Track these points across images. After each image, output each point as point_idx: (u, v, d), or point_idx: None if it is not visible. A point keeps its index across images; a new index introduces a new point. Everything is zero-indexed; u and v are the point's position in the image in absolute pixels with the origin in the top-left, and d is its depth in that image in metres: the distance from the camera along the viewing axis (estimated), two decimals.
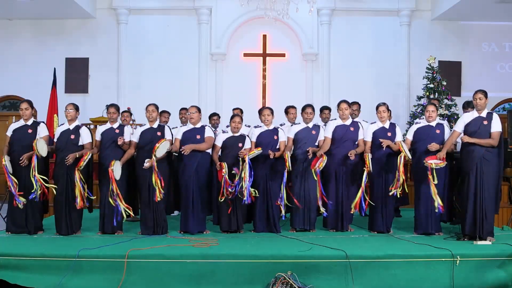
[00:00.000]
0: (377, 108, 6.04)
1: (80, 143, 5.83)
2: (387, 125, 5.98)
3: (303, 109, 6.07)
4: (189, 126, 5.92)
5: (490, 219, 5.33)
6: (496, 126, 5.37)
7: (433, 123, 5.78)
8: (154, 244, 5.09)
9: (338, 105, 6.03)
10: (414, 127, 5.92)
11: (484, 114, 5.44)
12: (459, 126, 5.54)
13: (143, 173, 5.73)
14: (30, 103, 5.88)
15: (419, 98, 9.86)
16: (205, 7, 10.67)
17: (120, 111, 6.33)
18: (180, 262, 4.71)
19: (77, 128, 5.86)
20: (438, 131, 5.76)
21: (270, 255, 4.77)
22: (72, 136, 5.77)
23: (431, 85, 9.74)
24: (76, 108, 5.95)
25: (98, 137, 5.95)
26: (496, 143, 5.34)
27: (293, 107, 6.75)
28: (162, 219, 5.74)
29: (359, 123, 6.09)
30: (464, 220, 5.41)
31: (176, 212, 7.17)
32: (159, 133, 5.82)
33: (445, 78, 9.79)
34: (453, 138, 5.62)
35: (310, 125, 6.02)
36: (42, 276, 4.70)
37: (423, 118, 6.04)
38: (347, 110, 5.97)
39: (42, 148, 5.59)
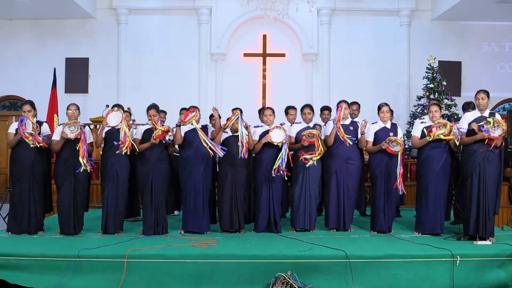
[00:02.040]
0: (379, 108, 6.03)
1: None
2: (388, 125, 5.99)
3: (302, 109, 6.10)
4: (190, 126, 5.92)
5: (492, 219, 5.33)
6: None
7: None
8: (154, 244, 5.09)
9: (337, 105, 6.05)
10: (421, 125, 5.85)
11: (486, 114, 5.43)
12: (463, 125, 5.54)
13: (145, 173, 5.74)
14: (32, 104, 5.88)
15: (419, 98, 9.87)
16: (205, 7, 10.68)
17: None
18: (180, 262, 4.71)
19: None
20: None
21: (270, 255, 4.77)
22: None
23: (431, 85, 9.75)
24: (78, 108, 5.95)
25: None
26: (500, 143, 5.34)
27: (293, 107, 6.75)
28: (163, 219, 5.74)
29: (358, 123, 6.10)
30: (467, 220, 5.39)
31: (176, 212, 7.17)
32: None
33: (445, 78, 9.79)
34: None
35: (311, 124, 6.04)
36: (42, 276, 4.70)
37: (423, 118, 6.03)
38: (346, 110, 5.97)
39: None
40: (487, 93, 5.43)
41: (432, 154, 5.64)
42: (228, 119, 5.81)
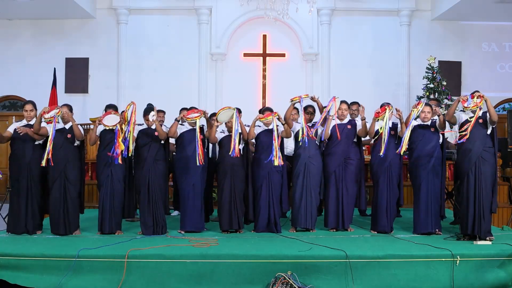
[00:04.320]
0: (381, 107, 6.04)
1: (76, 143, 5.84)
2: (390, 124, 5.99)
3: (305, 109, 6.11)
4: (189, 126, 5.93)
5: (487, 218, 5.34)
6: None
7: (429, 123, 5.79)
8: (154, 244, 5.08)
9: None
10: (414, 122, 5.94)
11: (480, 113, 5.46)
12: (458, 113, 5.61)
13: (142, 173, 5.74)
14: (34, 104, 5.89)
15: (419, 98, 9.87)
16: (205, 7, 10.68)
17: (119, 111, 6.32)
18: (180, 262, 4.71)
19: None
20: (432, 129, 5.78)
21: (270, 255, 4.76)
22: (69, 136, 5.77)
23: (431, 85, 9.76)
24: (70, 109, 5.93)
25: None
26: (497, 118, 5.36)
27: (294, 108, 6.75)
28: (162, 219, 5.75)
29: (356, 121, 6.11)
30: (464, 220, 5.41)
31: (176, 212, 7.17)
32: (157, 134, 5.83)
33: (445, 78, 9.80)
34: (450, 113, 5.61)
35: (309, 124, 6.05)
36: (42, 276, 4.70)
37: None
38: (346, 111, 6.00)
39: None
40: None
41: (423, 153, 5.67)
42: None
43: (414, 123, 5.95)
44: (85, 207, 6.18)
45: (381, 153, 5.63)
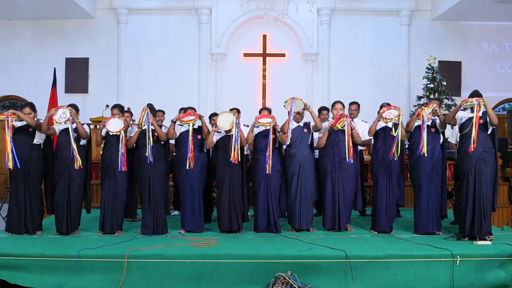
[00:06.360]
0: (381, 107, 6.04)
1: (82, 143, 5.85)
2: (390, 125, 5.99)
3: None
4: (186, 126, 5.93)
5: (487, 218, 5.34)
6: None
7: (429, 123, 5.80)
8: (154, 244, 5.09)
9: (333, 105, 6.08)
10: (415, 123, 5.96)
11: (480, 113, 5.45)
12: (458, 113, 5.60)
13: (143, 173, 5.75)
14: (32, 107, 5.85)
15: (419, 98, 9.87)
16: (205, 7, 10.68)
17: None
18: (180, 262, 4.72)
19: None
20: (433, 130, 5.78)
21: (270, 255, 4.77)
22: (75, 134, 5.78)
23: (431, 85, 9.76)
24: (76, 109, 5.94)
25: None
26: (497, 121, 5.36)
27: None
28: (162, 219, 5.76)
29: (352, 122, 6.12)
30: (464, 220, 5.41)
31: (176, 212, 7.17)
32: (157, 135, 5.83)
33: (445, 78, 9.80)
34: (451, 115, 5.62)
35: (301, 123, 6.05)
36: (42, 276, 4.70)
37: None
38: (342, 110, 6.01)
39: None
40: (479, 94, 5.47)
41: (424, 154, 5.65)
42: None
43: (415, 123, 5.96)
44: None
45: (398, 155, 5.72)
